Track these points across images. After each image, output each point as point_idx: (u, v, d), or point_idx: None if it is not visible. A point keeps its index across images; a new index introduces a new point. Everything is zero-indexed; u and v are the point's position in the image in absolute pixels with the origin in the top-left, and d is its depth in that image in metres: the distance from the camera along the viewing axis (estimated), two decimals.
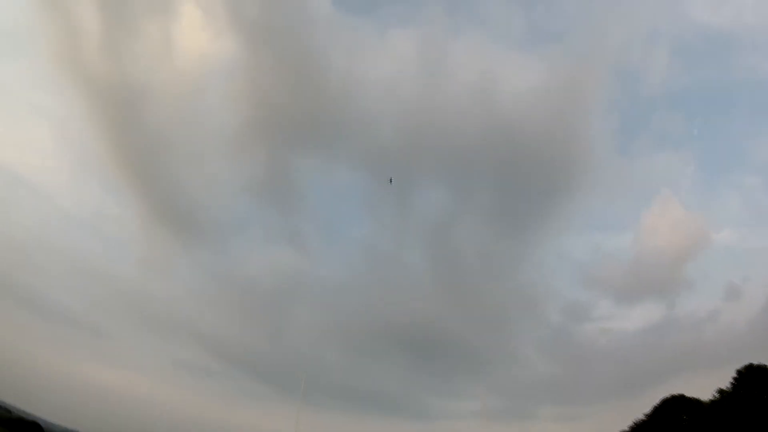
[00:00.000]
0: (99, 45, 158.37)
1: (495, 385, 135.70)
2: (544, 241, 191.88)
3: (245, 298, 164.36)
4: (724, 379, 60.21)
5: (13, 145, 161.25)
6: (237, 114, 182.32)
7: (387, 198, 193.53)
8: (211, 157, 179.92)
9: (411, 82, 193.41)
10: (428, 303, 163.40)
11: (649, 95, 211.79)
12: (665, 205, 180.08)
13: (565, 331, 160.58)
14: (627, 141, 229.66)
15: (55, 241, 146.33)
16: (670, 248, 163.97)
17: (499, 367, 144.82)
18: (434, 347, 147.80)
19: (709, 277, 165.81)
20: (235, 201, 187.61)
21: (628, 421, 71.62)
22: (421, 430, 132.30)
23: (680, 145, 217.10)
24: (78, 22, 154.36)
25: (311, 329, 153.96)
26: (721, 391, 60.12)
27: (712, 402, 60.43)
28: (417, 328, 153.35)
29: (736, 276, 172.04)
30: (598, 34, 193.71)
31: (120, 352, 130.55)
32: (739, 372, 58.73)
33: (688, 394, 65.76)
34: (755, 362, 58.11)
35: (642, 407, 70.92)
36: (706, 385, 63.90)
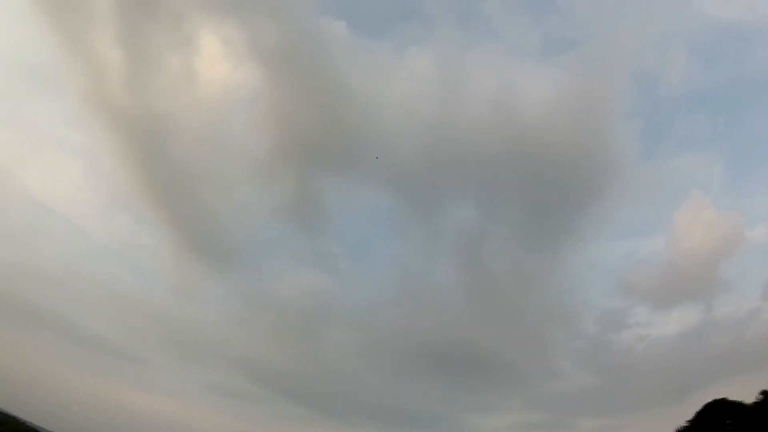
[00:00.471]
0: (123, 80, 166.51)
1: (532, 399, 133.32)
2: (576, 251, 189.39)
3: (278, 321, 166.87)
4: (767, 379, 59.06)
5: (45, 181, 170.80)
6: (261, 140, 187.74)
7: (415, 217, 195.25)
8: (239, 184, 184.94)
9: (430, 100, 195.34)
10: (462, 319, 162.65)
11: (669, 97, 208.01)
12: (696, 206, 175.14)
13: (601, 340, 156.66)
14: (651, 145, 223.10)
15: (89, 272, 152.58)
16: (704, 249, 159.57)
17: (536, 381, 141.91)
18: (470, 363, 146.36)
19: (746, 277, 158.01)
20: (264, 225, 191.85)
21: (671, 429, 70.25)
22: None
23: (706, 145, 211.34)
24: (101, 60, 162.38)
25: (345, 350, 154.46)
26: (764, 393, 58.82)
27: (756, 404, 59.07)
28: (452, 345, 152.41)
29: None
30: (613, 39, 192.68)
31: (155, 377, 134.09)
32: None
33: (731, 397, 64.30)
34: None
35: (684, 413, 69.32)
36: (748, 386, 62.47)
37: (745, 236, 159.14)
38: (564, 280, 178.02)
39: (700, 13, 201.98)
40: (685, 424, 67.78)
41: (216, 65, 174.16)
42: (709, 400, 65.58)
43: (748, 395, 61.64)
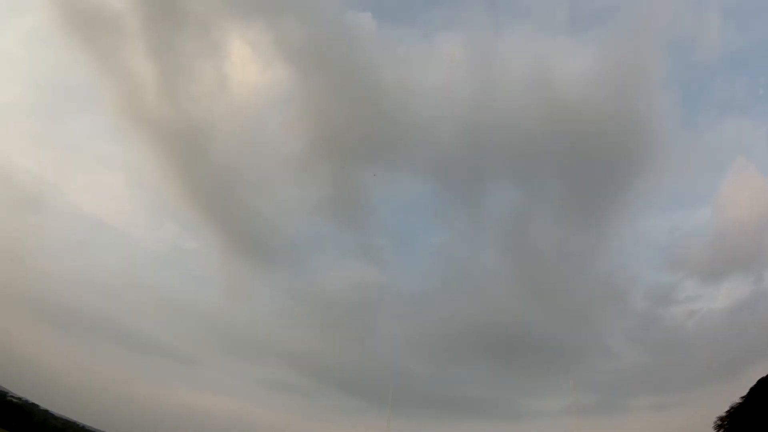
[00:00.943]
0: (157, 91, 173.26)
1: (583, 380, 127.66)
2: (620, 227, 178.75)
3: (327, 315, 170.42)
4: None
5: (91, 195, 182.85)
6: (298, 138, 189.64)
7: (457, 203, 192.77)
8: (280, 183, 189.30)
9: (463, 84, 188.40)
10: (509, 303, 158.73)
11: (706, 62, 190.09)
12: (742, 174, 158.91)
13: (651, 317, 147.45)
14: (691, 112, 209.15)
15: (141, 279, 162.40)
16: (752, 218, 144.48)
17: (587, 361, 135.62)
18: (519, 347, 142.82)
19: None
20: (308, 222, 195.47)
21: (725, 406, 64.83)
22: (513, 430, 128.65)
23: (748, 109, 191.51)
24: (134, 73, 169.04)
25: (395, 340, 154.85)
26: None
27: None
28: (500, 330, 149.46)
29: None
30: (643, 6, 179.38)
31: (211, 377, 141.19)
32: None
33: None
34: None
35: (738, 390, 63.59)
36: None
37: None
38: (610, 257, 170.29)
39: None
40: (739, 401, 62.48)
41: (246, 68, 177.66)
42: (763, 375, 59.93)
43: None
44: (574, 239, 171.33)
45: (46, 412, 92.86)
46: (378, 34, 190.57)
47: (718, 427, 61.71)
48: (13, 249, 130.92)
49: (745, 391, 61.53)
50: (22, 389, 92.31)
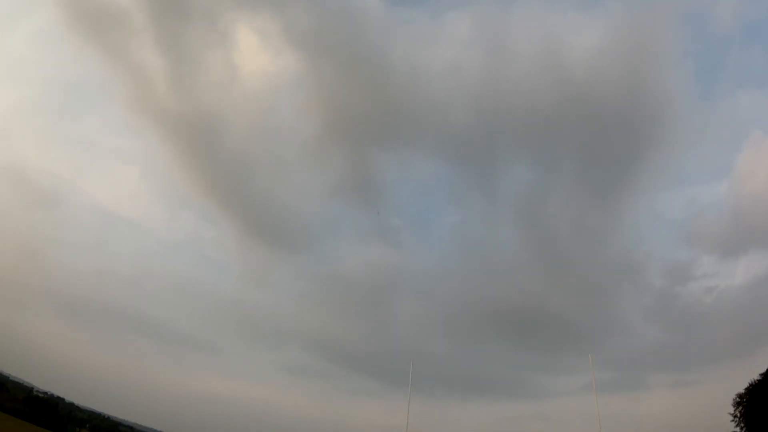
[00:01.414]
0: (167, 84, 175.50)
1: (602, 357, 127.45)
2: (637, 203, 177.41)
3: (346, 298, 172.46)
4: None
5: (107, 189, 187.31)
6: (310, 123, 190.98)
7: (471, 182, 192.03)
8: (294, 168, 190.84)
9: (475, 63, 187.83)
10: (526, 281, 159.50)
11: (721, 34, 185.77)
12: (759, 147, 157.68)
13: (668, 294, 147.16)
14: (707, 85, 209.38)
15: (159, 269, 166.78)
16: None
17: (605, 339, 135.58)
18: (537, 325, 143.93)
19: None
20: (324, 206, 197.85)
21: (744, 383, 63.79)
22: (532, 408, 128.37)
23: (764, 82, 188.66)
24: (144, 68, 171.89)
25: (413, 321, 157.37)
26: None
27: None
28: (518, 308, 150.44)
29: None
30: None
31: (232, 362, 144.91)
32: None
33: None
34: None
35: (757, 366, 62.41)
36: None
37: None
38: (627, 233, 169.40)
39: None
40: (758, 378, 61.39)
41: (255, 57, 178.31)
42: None
43: None
44: (589, 216, 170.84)
45: (71, 404, 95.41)
46: (386, 15, 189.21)
47: (737, 404, 60.71)
48: (33, 246, 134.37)
49: (764, 368, 60.10)
50: (47, 383, 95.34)
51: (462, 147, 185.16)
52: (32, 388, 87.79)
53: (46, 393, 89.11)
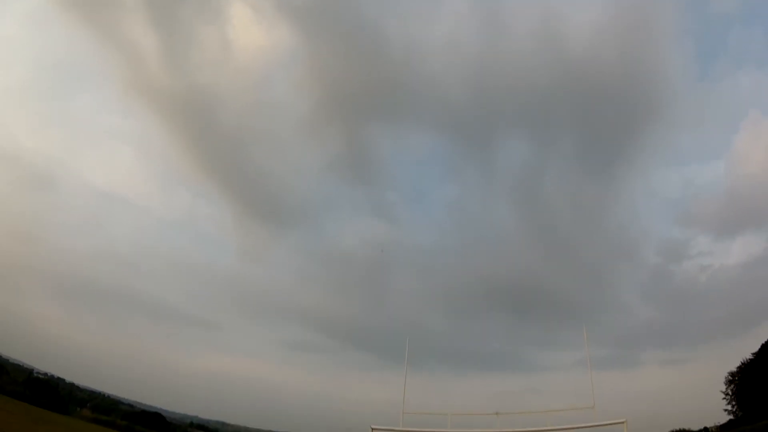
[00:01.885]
0: (160, 61, 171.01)
1: (596, 334, 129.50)
2: (633, 181, 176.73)
3: (343, 274, 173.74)
4: None
5: (102, 169, 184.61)
6: (306, 99, 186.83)
7: (468, 157, 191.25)
8: (290, 144, 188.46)
9: (472, 38, 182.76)
10: (522, 257, 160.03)
11: (721, 13, 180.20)
12: (756, 128, 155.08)
13: (663, 272, 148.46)
14: (705, 65, 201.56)
15: (156, 247, 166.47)
16: (766, 173, 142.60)
17: (599, 315, 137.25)
18: (532, 301, 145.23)
19: None
20: (320, 181, 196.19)
21: (736, 361, 64.95)
22: (525, 382, 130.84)
23: (764, 62, 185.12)
24: (136, 45, 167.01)
25: (410, 296, 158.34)
26: None
27: None
28: (514, 284, 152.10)
29: None
30: None
31: (231, 340, 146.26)
32: None
33: None
34: None
35: (749, 346, 63.52)
36: None
37: None
38: (623, 211, 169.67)
39: None
40: (750, 357, 62.47)
41: (249, 31, 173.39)
42: None
43: None
44: (586, 193, 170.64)
45: (72, 385, 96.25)
46: None
47: (729, 382, 62.02)
48: (29, 229, 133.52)
49: (756, 347, 61.36)
50: (47, 365, 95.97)
51: (458, 122, 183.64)
52: (32, 369, 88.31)
53: (46, 374, 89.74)
